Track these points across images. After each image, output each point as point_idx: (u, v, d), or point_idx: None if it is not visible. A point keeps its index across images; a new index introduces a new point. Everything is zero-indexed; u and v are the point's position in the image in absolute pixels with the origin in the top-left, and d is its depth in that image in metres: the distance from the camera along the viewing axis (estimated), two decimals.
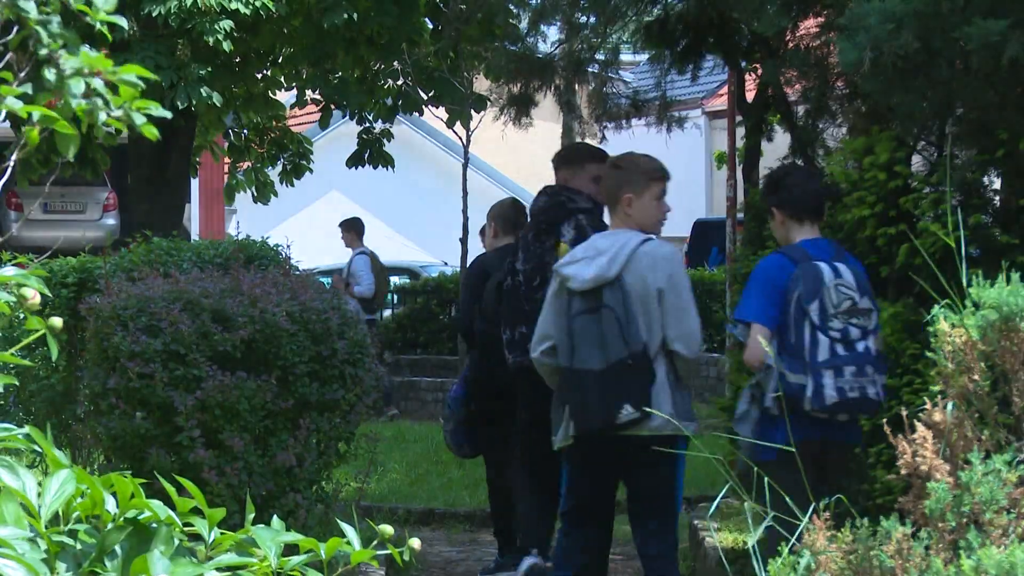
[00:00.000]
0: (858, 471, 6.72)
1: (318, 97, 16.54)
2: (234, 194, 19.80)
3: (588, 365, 5.90)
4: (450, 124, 16.55)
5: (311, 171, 19.46)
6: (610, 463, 6.14)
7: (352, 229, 16.02)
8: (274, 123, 19.10)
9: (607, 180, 6.37)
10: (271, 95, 17.78)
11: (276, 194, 19.67)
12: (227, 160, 20.02)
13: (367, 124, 17.01)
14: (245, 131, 19.16)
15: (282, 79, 17.84)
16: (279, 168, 19.21)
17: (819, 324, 5.69)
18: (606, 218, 6.91)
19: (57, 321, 2.58)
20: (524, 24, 9.89)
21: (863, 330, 5.73)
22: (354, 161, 17.22)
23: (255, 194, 19.58)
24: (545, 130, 17.35)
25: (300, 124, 25.62)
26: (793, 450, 4.72)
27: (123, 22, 2.56)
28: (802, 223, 5.94)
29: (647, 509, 6.18)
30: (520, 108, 9.70)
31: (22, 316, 2.58)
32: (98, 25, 2.56)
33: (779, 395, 5.58)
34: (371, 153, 17.12)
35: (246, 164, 19.58)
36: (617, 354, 5.86)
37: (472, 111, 15.67)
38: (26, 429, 2.53)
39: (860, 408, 5.74)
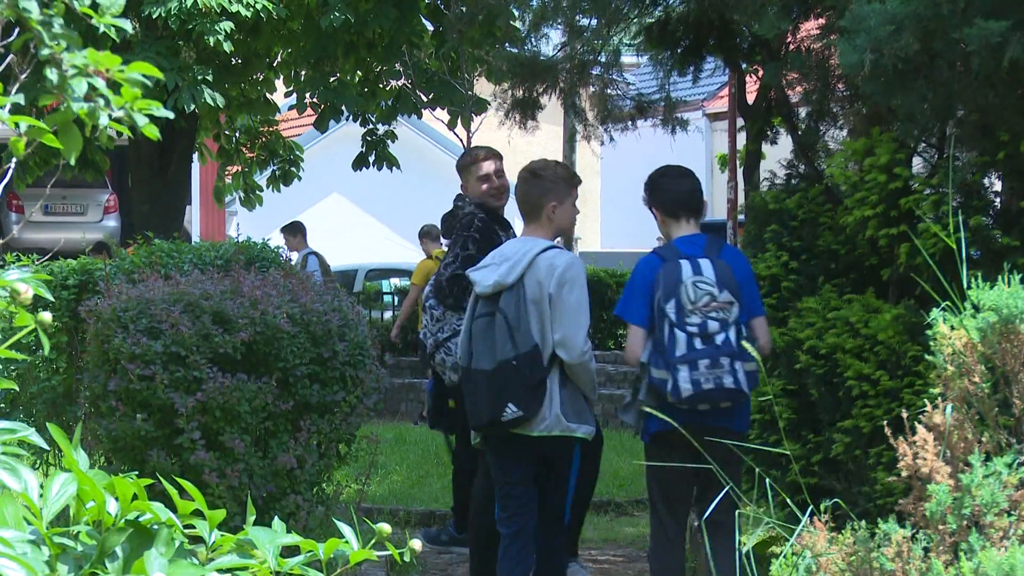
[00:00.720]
0: (857, 473, 6.72)
1: (316, 102, 16.47)
2: (223, 197, 19.75)
3: (481, 366, 6.32)
4: (451, 126, 16.54)
5: (300, 179, 19.39)
6: (519, 458, 6.46)
7: (297, 232, 16.19)
8: (266, 128, 19.05)
9: (529, 187, 6.60)
10: (268, 97, 17.74)
11: (262, 202, 19.56)
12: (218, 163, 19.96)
13: (371, 126, 16.97)
14: (237, 134, 19.09)
15: (280, 81, 17.81)
16: (268, 174, 19.15)
17: (676, 321, 6.14)
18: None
19: (47, 316, 2.57)
20: (525, 26, 9.88)
21: (723, 323, 6.13)
22: (359, 163, 17.17)
23: (241, 199, 19.52)
24: (546, 132, 17.36)
25: (298, 127, 25.60)
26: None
27: (127, 25, 2.56)
28: (679, 220, 6.39)
29: (546, 503, 6.56)
30: (525, 112, 9.69)
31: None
32: (103, 28, 2.56)
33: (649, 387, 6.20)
34: (376, 155, 17.09)
35: (235, 168, 19.48)
36: (504, 355, 6.25)
37: (473, 113, 15.66)
38: (32, 430, 2.53)
39: (717, 397, 6.12)
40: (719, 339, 6.10)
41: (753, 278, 6.45)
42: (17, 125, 2.47)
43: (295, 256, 16.04)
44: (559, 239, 6.80)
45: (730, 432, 6.18)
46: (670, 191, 6.42)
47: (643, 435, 6.42)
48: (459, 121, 16.23)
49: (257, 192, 19.46)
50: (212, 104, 14.61)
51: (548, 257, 6.36)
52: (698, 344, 6.11)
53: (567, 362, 6.31)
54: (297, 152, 19.26)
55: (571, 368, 6.33)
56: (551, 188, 6.50)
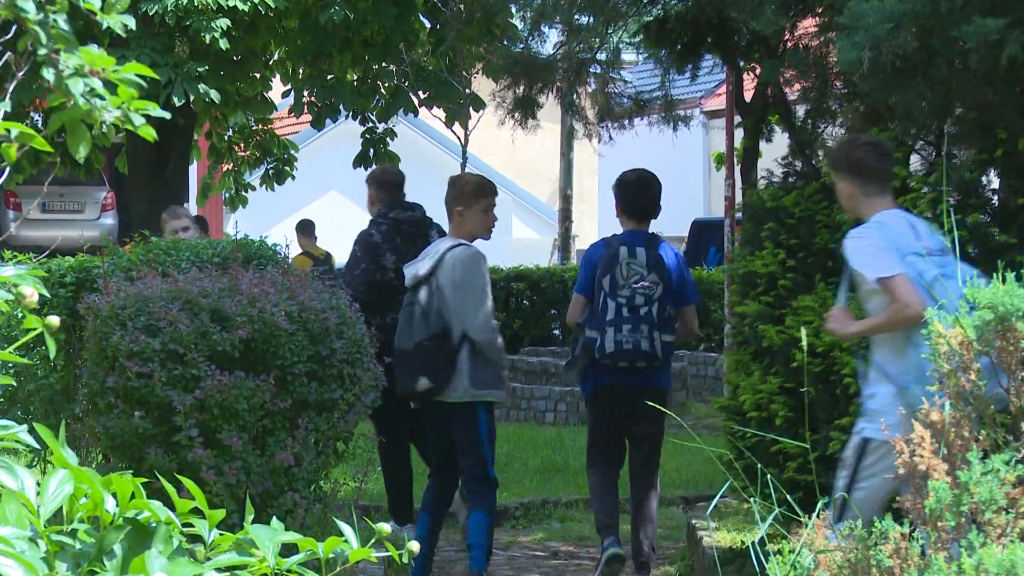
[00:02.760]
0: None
1: (313, 101, 16.35)
2: (209, 194, 19.67)
3: (403, 346, 7.55)
4: (449, 124, 16.51)
5: (293, 177, 19.32)
6: (444, 423, 7.66)
7: (200, 227, 16.53)
8: (260, 126, 18.96)
9: (445, 195, 7.78)
10: (265, 95, 17.67)
11: (245, 203, 19.49)
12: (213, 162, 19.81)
13: (370, 124, 16.91)
14: (229, 132, 19.00)
15: (275, 80, 17.74)
16: (261, 172, 19.07)
17: (609, 293, 7.60)
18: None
19: (54, 320, 2.57)
20: (523, 24, 9.87)
21: (648, 298, 7.57)
22: (360, 161, 17.10)
23: (226, 198, 19.44)
24: (545, 130, 17.34)
25: (296, 125, 25.59)
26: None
27: (132, 21, 2.56)
28: (631, 219, 7.83)
29: (461, 458, 7.69)
30: (525, 111, 9.69)
31: (21, 315, 2.58)
32: (107, 23, 2.55)
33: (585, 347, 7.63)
34: (376, 152, 17.03)
35: (225, 167, 19.38)
36: (419, 337, 7.47)
37: (471, 110, 15.64)
38: (24, 428, 2.53)
39: (633, 357, 7.55)
40: (643, 311, 7.54)
41: (684, 272, 7.84)
42: (8, 131, 2.47)
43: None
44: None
45: (653, 389, 7.55)
46: (636, 196, 7.84)
47: (583, 391, 8.00)
48: (456, 119, 16.20)
49: (243, 192, 19.38)
50: (207, 100, 14.57)
51: (454, 253, 7.52)
52: (625, 312, 7.55)
53: (477, 341, 7.42)
54: (292, 151, 19.20)
55: (479, 344, 7.44)
56: (458, 196, 7.65)
